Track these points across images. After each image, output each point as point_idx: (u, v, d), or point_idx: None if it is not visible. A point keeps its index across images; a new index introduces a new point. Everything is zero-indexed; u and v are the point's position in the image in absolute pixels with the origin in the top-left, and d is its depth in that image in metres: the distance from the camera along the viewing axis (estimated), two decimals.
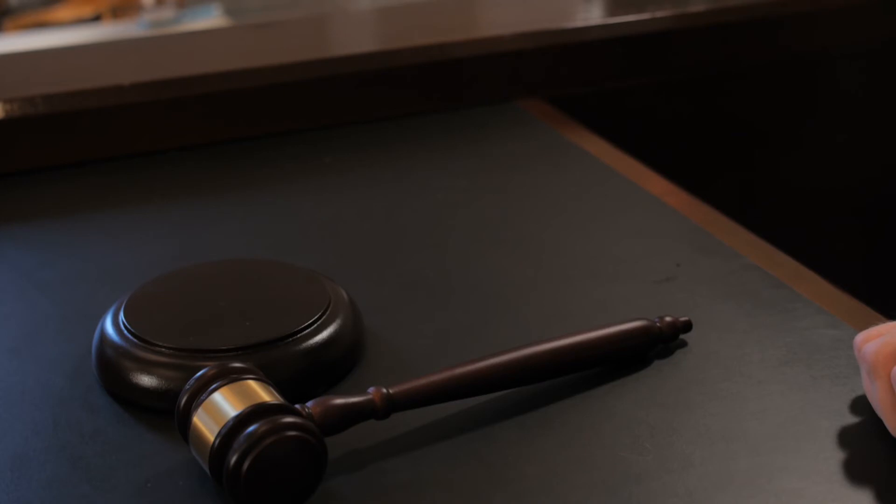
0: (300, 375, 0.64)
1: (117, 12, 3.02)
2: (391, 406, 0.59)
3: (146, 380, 0.63)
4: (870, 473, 0.56)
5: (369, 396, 0.59)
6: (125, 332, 0.65)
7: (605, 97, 1.19)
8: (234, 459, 0.53)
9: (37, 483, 0.57)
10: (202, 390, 0.57)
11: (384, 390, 0.59)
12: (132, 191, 0.97)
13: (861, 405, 0.61)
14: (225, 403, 0.56)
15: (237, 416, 0.54)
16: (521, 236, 0.85)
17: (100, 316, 0.69)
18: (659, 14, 1.19)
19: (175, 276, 0.73)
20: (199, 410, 0.56)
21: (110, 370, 0.65)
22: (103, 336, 0.66)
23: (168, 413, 0.59)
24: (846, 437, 0.59)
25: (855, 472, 0.56)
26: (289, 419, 0.54)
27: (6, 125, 0.99)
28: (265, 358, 0.63)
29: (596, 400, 0.63)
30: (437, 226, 0.87)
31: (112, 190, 0.97)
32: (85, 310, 0.74)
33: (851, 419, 0.60)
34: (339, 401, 0.58)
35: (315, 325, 0.66)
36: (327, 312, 0.67)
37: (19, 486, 0.57)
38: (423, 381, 0.60)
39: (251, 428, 0.53)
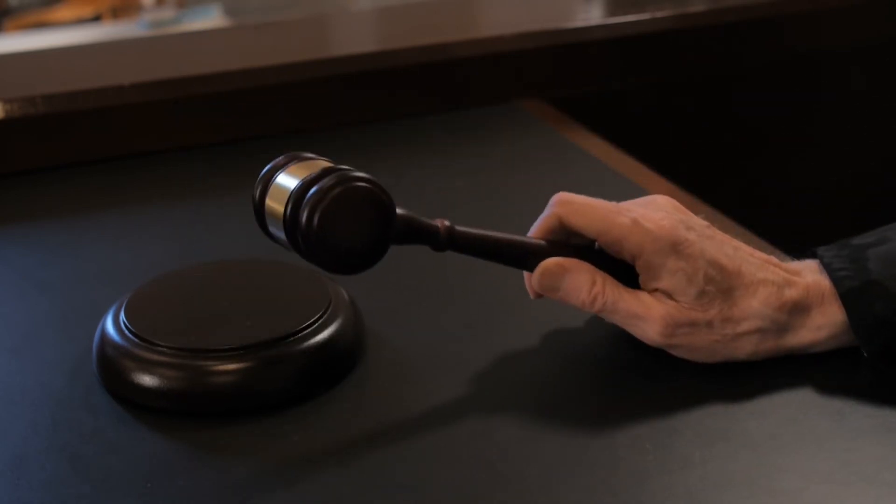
0: (300, 375, 0.64)
1: (117, 12, 3.03)
2: (450, 240, 0.62)
3: (146, 379, 0.63)
4: (870, 473, 0.56)
5: (436, 223, 0.61)
6: (126, 331, 0.65)
7: (605, 97, 1.19)
8: (304, 215, 0.54)
9: (37, 483, 0.57)
10: (271, 178, 0.59)
11: (447, 223, 0.62)
12: (132, 191, 0.97)
13: (862, 405, 0.61)
14: (292, 178, 0.57)
15: (303, 180, 0.55)
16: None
17: (100, 316, 0.69)
18: (659, 14, 1.19)
19: (175, 276, 0.73)
20: (270, 192, 0.58)
21: (111, 370, 0.65)
22: (104, 336, 0.66)
23: (168, 413, 0.59)
24: (846, 437, 0.59)
25: (855, 472, 0.56)
26: (356, 173, 0.55)
27: (6, 125, 0.99)
28: (265, 358, 0.63)
29: (595, 400, 0.63)
30: None
31: (112, 190, 0.97)
32: (85, 310, 0.74)
33: (851, 419, 0.60)
34: (410, 214, 0.60)
35: (315, 325, 0.66)
36: (327, 312, 0.67)
37: (19, 486, 0.57)
38: (485, 232, 0.63)
39: (319, 184, 0.55)
